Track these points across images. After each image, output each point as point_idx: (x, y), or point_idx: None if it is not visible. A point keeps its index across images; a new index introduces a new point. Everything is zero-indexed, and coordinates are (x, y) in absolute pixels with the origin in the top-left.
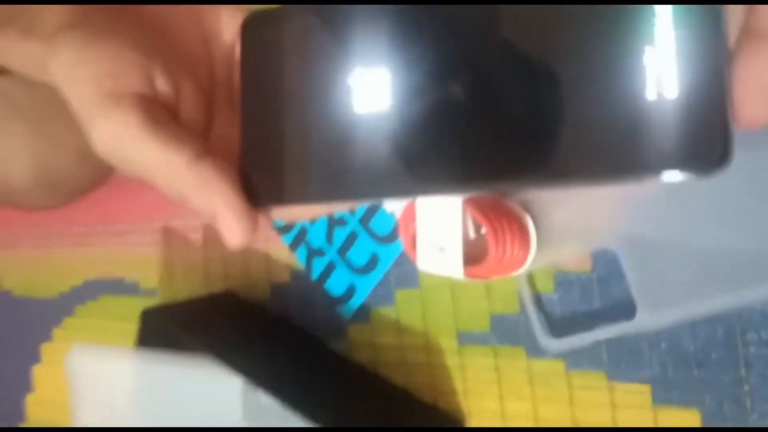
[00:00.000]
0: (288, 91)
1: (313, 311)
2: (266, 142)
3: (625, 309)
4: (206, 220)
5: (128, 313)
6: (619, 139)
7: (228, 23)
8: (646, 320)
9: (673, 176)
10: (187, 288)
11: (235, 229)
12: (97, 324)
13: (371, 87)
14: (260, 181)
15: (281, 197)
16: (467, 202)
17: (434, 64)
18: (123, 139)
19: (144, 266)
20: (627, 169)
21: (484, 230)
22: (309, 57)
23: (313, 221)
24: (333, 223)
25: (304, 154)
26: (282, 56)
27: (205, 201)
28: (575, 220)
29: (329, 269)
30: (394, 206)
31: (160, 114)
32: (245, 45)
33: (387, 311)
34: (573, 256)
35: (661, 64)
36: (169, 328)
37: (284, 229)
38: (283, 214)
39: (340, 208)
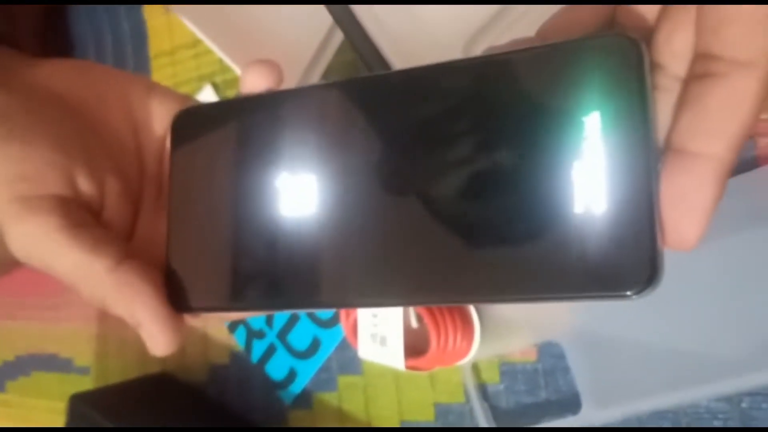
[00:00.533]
0: (218, 192)
1: (253, 395)
2: (193, 244)
3: (571, 402)
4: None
5: (61, 390)
6: (541, 256)
7: (159, 113)
8: (591, 415)
9: (596, 297)
10: (122, 367)
11: (158, 338)
12: (30, 402)
13: (305, 191)
14: (187, 286)
15: (209, 304)
16: None
17: (369, 174)
18: (39, 245)
19: (77, 342)
20: (548, 288)
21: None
22: (241, 157)
23: None
24: None
25: (233, 260)
26: (213, 155)
27: (126, 309)
28: (520, 312)
29: (269, 352)
30: None
31: (81, 216)
32: (175, 142)
33: (329, 397)
34: (518, 347)
35: (587, 179)
36: (98, 416)
37: None
38: (213, 317)
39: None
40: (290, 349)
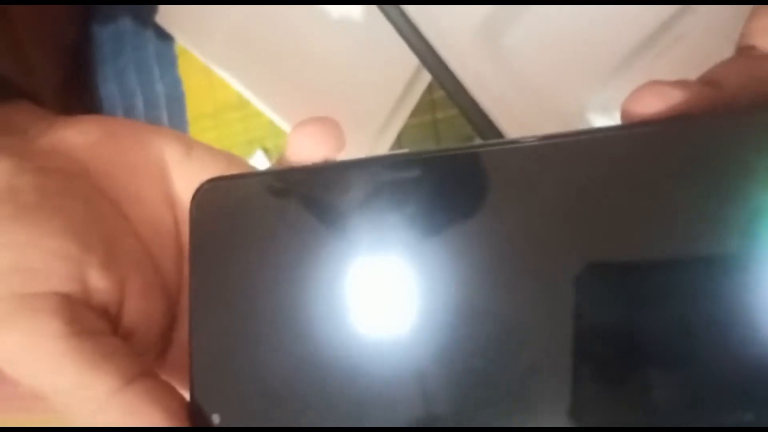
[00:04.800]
0: (256, 291)
1: None
2: (224, 358)
3: None
4: None
5: None
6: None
7: (200, 180)
8: None
9: None
10: None
11: None
12: None
13: (375, 295)
14: (217, 412)
15: None
16: None
17: (477, 277)
18: (29, 355)
19: None
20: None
21: None
22: (287, 246)
23: None
24: None
25: (274, 381)
26: (249, 242)
27: None
28: None
29: None
30: None
31: (89, 322)
32: (197, 225)
33: None
34: None
35: None
36: None
37: None
38: None
39: None
40: None
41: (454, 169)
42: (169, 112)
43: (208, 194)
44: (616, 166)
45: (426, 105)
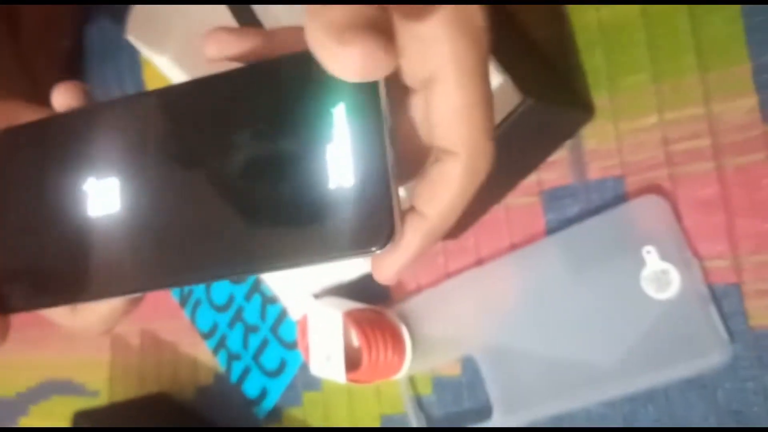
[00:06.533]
0: (30, 201)
1: (233, 412)
2: (11, 251)
3: (487, 410)
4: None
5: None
6: (296, 226)
7: None
8: (500, 421)
9: (353, 255)
10: (125, 389)
11: None
12: (49, 424)
13: (100, 194)
14: (8, 288)
15: (27, 302)
16: (347, 316)
17: (159, 172)
18: None
19: (89, 368)
20: (314, 253)
21: None
22: (48, 168)
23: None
24: (248, 330)
25: (43, 260)
26: (26, 168)
27: None
28: (445, 331)
29: (246, 372)
30: (297, 316)
31: None
32: None
33: (295, 412)
34: (445, 362)
35: (337, 159)
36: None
37: (207, 335)
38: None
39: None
40: (262, 369)
41: (145, 104)
42: None
43: (3, 135)
44: (233, 95)
45: None
